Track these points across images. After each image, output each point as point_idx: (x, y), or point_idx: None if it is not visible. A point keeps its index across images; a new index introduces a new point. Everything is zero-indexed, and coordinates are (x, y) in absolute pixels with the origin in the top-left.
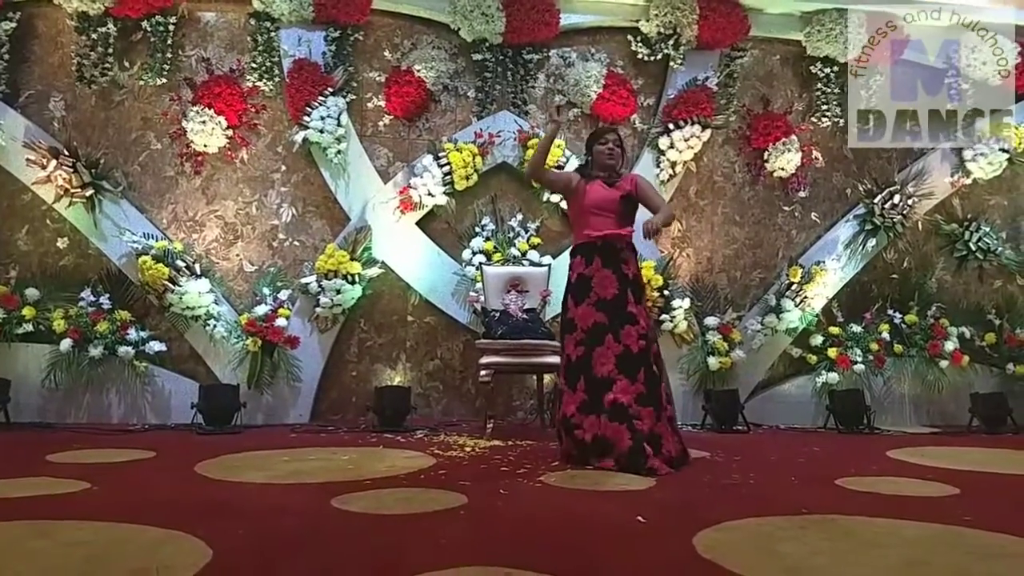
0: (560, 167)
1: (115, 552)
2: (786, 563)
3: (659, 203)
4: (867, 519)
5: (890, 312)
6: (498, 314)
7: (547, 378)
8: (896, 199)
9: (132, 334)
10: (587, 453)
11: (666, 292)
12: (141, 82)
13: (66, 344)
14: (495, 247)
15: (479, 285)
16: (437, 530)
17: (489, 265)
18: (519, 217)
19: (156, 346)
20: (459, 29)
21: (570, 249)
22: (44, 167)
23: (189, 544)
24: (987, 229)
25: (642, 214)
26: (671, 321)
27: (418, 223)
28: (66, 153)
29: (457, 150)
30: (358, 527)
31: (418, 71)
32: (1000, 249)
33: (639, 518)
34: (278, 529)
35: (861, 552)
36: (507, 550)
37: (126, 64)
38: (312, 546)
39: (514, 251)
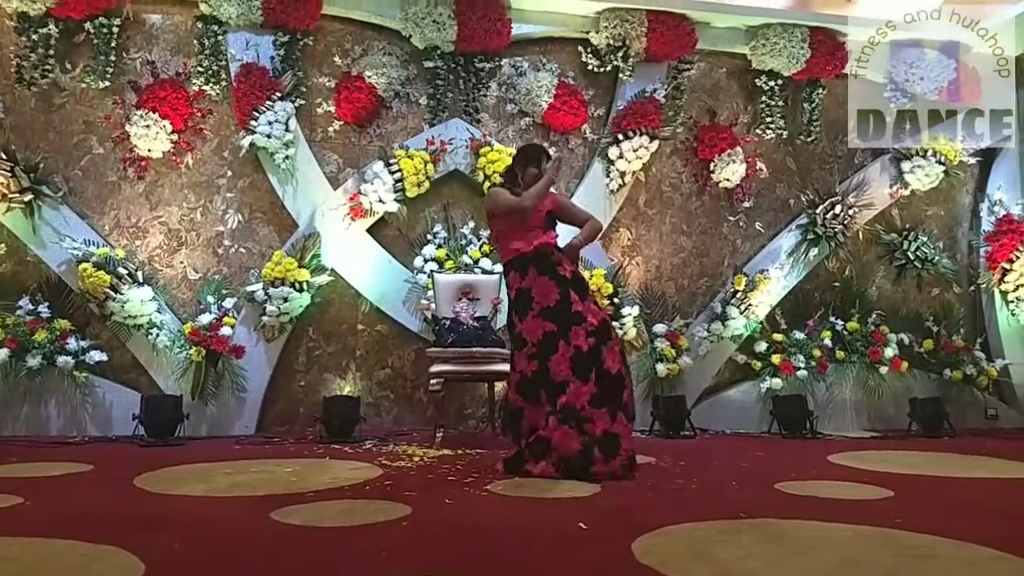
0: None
1: (43, 569)
2: (720, 567)
3: (585, 215)
4: (802, 522)
5: (832, 319)
6: (449, 322)
7: (498, 386)
8: (837, 209)
9: (72, 343)
10: (528, 454)
11: (616, 300)
12: (83, 85)
13: (3, 354)
14: (447, 255)
15: (430, 293)
16: (378, 541)
17: (440, 273)
18: (471, 225)
19: (97, 356)
20: (410, 36)
21: (502, 268)
22: None
23: (121, 558)
24: (925, 239)
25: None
26: (621, 328)
27: (369, 230)
28: (3, 157)
29: (408, 157)
30: (296, 540)
31: (369, 77)
32: (937, 258)
33: (580, 524)
34: (214, 543)
35: (794, 555)
36: (447, 559)
37: (68, 66)
38: (248, 559)
39: (466, 259)
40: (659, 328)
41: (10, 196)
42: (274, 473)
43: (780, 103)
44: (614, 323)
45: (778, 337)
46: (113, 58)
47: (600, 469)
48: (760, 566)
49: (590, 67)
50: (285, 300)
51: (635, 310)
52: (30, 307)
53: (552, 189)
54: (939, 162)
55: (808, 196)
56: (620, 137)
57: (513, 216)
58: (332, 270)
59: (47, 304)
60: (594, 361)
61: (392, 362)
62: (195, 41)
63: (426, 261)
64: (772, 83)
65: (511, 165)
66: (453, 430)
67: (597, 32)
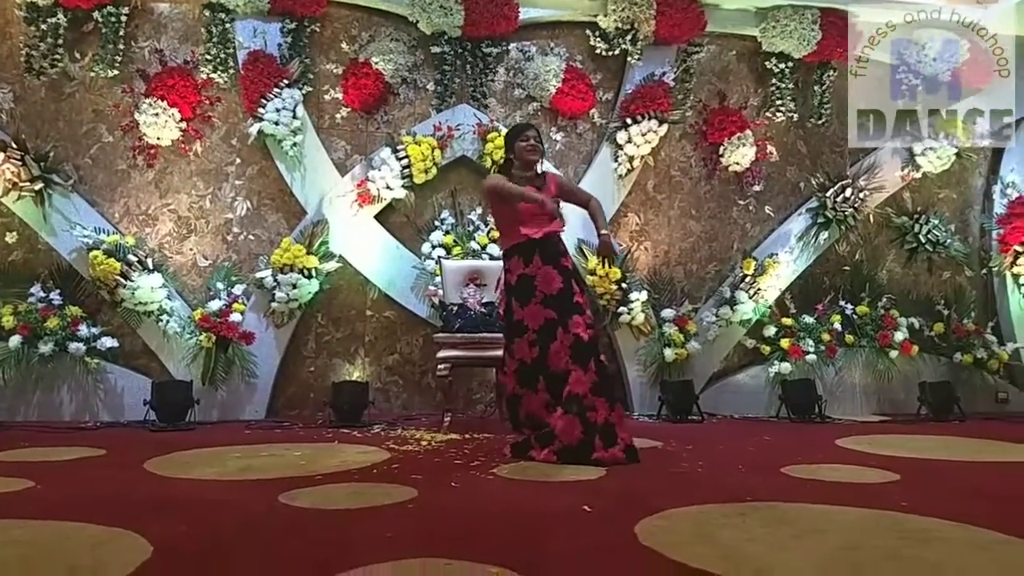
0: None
1: (52, 551)
2: (722, 549)
3: (584, 195)
4: (807, 506)
5: (842, 303)
6: (456, 308)
7: None
8: (848, 193)
9: (83, 330)
10: (527, 441)
11: (624, 285)
12: (92, 74)
13: (15, 341)
14: (455, 241)
15: (438, 279)
16: (384, 524)
17: (448, 259)
18: (479, 211)
19: (108, 342)
20: (418, 22)
21: (503, 253)
22: None
23: (129, 541)
24: (936, 222)
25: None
26: (628, 313)
27: (377, 216)
28: (14, 146)
29: (416, 143)
30: (303, 522)
31: (376, 63)
32: (949, 241)
33: (585, 507)
34: (221, 525)
35: (797, 538)
36: (452, 542)
37: (77, 55)
38: (255, 541)
39: (474, 244)
40: (667, 313)
41: (21, 185)
42: (283, 457)
43: (790, 85)
44: (621, 308)
45: (787, 321)
46: (122, 47)
47: (601, 455)
48: (763, 549)
49: (598, 51)
50: (294, 286)
51: (643, 295)
52: (42, 294)
53: (554, 169)
54: (951, 144)
55: (818, 179)
56: (628, 121)
57: (501, 204)
58: (340, 256)
59: (59, 291)
60: (593, 351)
61: (400, 348)
62: (203, 29)
63: (433, 247)
64: (782, 65)
65: (504, 148)
66: (461, 415)
67: (605, 15)
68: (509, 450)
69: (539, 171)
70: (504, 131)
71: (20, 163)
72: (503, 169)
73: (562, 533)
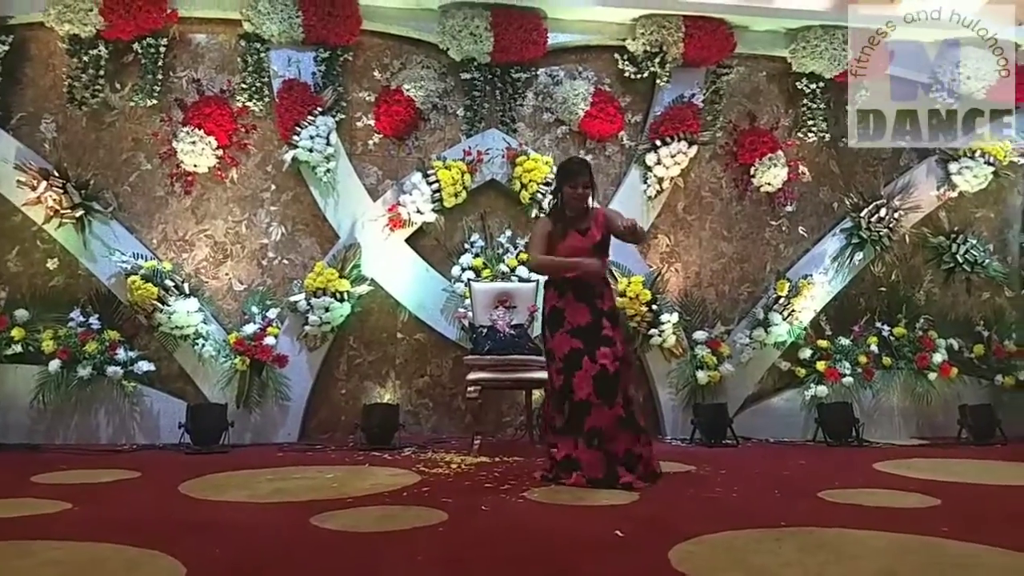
0: (547, 183)
1: (89, 571)
2: (757, 575)
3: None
4: (844, 531)
5: (878, 325)
6: (485, 330)
7: (536, 394)
8: (883, 212)
9: (121, 354)
10: (558, 470)
11: (654, 307)
12: (132, 103)
13: (55, 365)
14: (484, 263)
15: (467, 301)
16: (414, 547)
17: (477, 281)
18: (508, 233)
19: (145, 366)
20: (448, 49)
21: (544, 281)
22: (34, 188)
23: (164, 563)
24: (974, 241)
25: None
26: (659, 336)
27: (407, 240)
28: (56, 174)
29: (446, 168)
30: (334, 545)
31: (407, 90)
32: (987, 261)
33: (617, 532)
34: (254, 547)
35: (833, 563)
36: (482, 566)
37: (117, 86)
38: (286, 564)
39: (503, 267)
40: (699, 335)
41: (62, 212)
42: (315, 479)
43: (822, 105)
44: (652, 330)
45: (823, 343)
46: (160, 77)
47: (627, 479)
48: (797, 574)
49: (627, 74)
50: (327, 310)
51: (674, 317)
52: (81, 319)
53: (595, 204)
54: (988, 163)
55: (852, 199)
56: (658, 143)
57: (554, 246)
58: (372, 280)
59: (97, 316)
60: (620, 383)
61: (431, 370)
62: (239, 59)
63: (463, 270)
64: (813, 86)
65: (555, 185)
66: (491, 437)
67: (634, 39)
68: (539, 475)
69: (588, 209)
70: (532, 154)
71: (62, 191)
72: (554, 210)
73: (594, 558)
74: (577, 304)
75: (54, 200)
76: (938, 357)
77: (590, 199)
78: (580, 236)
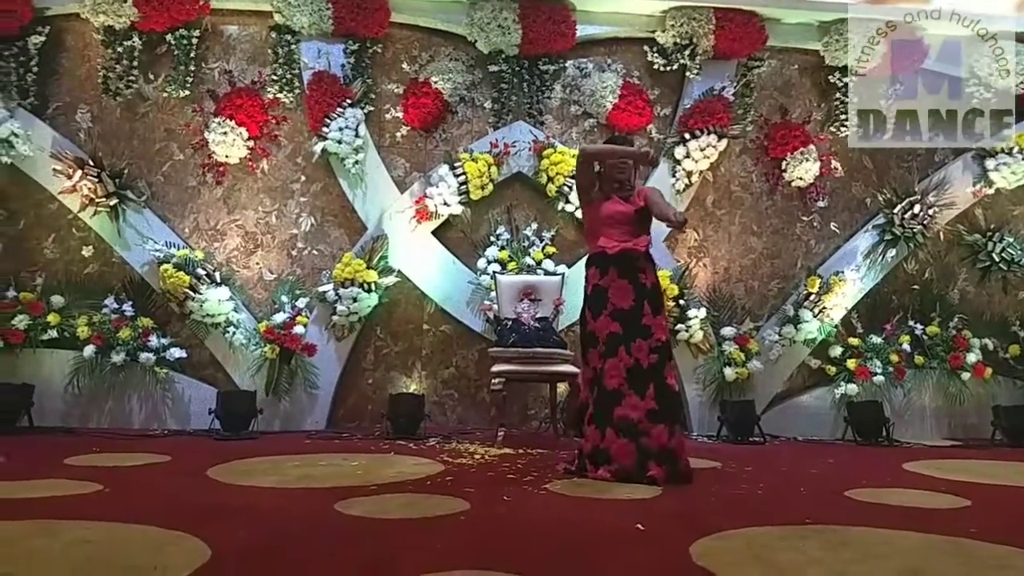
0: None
1: (116, 551)
2: (779, 572)
3: (669, 210)
4: (870, 529)
5: (911, 323)
6: (510, 323)
7: (560, 387)
8: (916, 209)
9: (153, 341)
10: (584, 462)
11: (682, 302)
12: (165, 94)
13: (89, 350)
14: (510, 256)
15: (493, 294)
16: (436, 535)
17: (502, 274)
18: (534, 226)
19: (176, 353)
20: (476, 41)
21: (585, 259)
22: (70, 177)
23: (190, 544)
24: (1011, 239)
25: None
26: (687, 331)
27: (434, 232)
28: (91, 163)
29: (473, 160)
30: (358, 531)
31: (435, 83)
32: None
33: (638, 525)
34: (278, 531)
35: (858, 562)
36: (503, 555)
37: (151, 76)
38: (309, 548)
39: (529, 260)
40: (727, 331)
41: (97, 200)
42: (341, 467)
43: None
44: (679, 325)
45: (854, 341)
46: (193, 68)
47: (655, 473)
48: (821, 572)
49: (656, 66)
50: (354, 300)
51: (702, 312)
52: (115, 306)
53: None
54: None
55: (885, 195)
56: (687, 136)
57: (587, 210)
58: (399, 271)
59: (131, 303)
60: (654, 377)
61: (456, 362)
62: (269, 51)
63: (489, 262)
64: (846, 79)
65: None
66: (515, 430)
67: (663, 31)
68: (562, 468)
69: (632, 185)
70: (559, 147)
71: (97, 180)
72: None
73: (614, 550)
74: (620, 281)
75: (89, 189)
76: (972, 357)
77: (633, 174)
78: (622, 202)
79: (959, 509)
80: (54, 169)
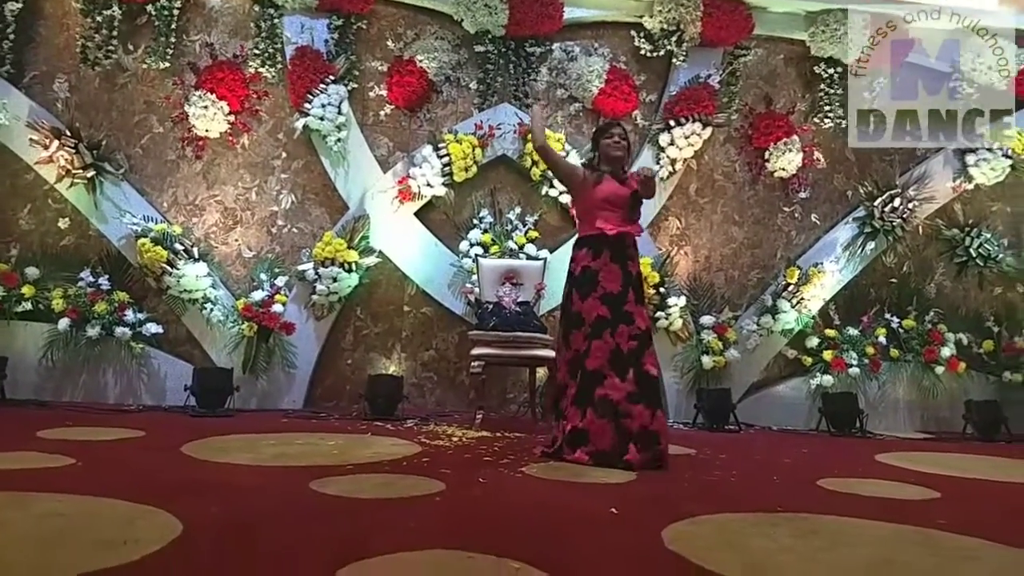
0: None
1: (87, 525)
2: (749, 557)
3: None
4: (840, 519)
5: (887, 316)
6: (491, 306)
7: (539, 371)
8: (897, 202)
9: (129, 315)
10: (563, 444)
11: (662, 289)
12: (145, 66)
13: (64, 323)
14: (493, 239)
15: (474, 277)
16: (411, 515)
17: (485, 257)
18: (518, 210)
19: (153, 328)
20: (462, 20)
21: (574, 241)
22: (47, 147)
23: (161, 519)
24: (988, 235)
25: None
26: (666, 319)
27: (416, 213)
28: (68, 134)
29: (457, 141)
30: (331, 509)
31: (420, 61)
32: (1001, 256)
33: (612, 509)
34: (251, 508)
35: (828, 550)
36: (476, 536)
37: (130, 47)
38: (281, 525)
39: (511, 244)
40: (706, 320)
41: (74, 172)
42: (317, 446)
43: (839, 91)
44: (659, 312)
45: (831, 333)
46: (173, 40)
47: (632, 458)
48: (791, 559)
49: (643, 52)
50: (334, 280)
51: (681, 300)
52: (91, 279)
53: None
54: (1006, 155)
55: (866, 188)
56: (672, 123)
57: (578, 193)
58: (380, 252)
59: (107, 276)
60: (632, 362)
61: (436, 344)
62: (252, 24)
63: (471, 245)
64: (832, 71)
65: (591, 146)
66: (493, 413)
67: (651, 16)
68: (539, 451)
69: (625, 169)
70: (546, 131)
71: (74, 151)
72: (589, 164)
73: (587, 533)
74: (612, 265)
75: (66, 160)
76: (946, 351)
77: (627, 155)
78: (617, 183)
79: (929, 501)
80: (30, 139)
